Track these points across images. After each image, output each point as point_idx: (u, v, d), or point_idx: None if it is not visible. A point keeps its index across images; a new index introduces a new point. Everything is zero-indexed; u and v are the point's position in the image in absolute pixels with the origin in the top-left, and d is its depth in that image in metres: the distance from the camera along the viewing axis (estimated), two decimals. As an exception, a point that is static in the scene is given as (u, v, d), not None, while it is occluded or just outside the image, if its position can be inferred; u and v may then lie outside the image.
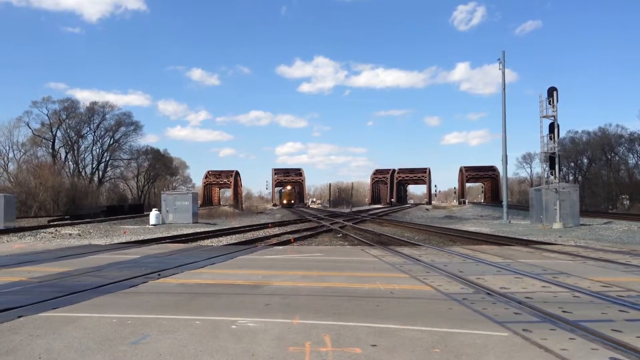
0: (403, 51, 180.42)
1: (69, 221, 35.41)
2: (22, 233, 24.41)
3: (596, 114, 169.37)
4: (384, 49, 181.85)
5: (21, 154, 72.53)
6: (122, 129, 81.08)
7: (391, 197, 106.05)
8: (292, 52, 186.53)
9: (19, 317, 6.06)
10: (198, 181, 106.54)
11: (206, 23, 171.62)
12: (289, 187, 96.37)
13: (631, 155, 68.52)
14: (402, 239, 20.86)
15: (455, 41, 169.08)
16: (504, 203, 36.52)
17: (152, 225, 31.23)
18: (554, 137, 27.17)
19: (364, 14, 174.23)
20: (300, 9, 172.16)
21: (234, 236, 23.48)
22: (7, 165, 69.97)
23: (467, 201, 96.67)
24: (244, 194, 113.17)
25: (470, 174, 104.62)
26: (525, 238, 19.46)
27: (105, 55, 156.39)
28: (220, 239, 22.10)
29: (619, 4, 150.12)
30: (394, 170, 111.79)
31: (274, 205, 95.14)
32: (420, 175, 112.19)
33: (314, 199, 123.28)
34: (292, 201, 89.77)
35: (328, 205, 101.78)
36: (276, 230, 27.25)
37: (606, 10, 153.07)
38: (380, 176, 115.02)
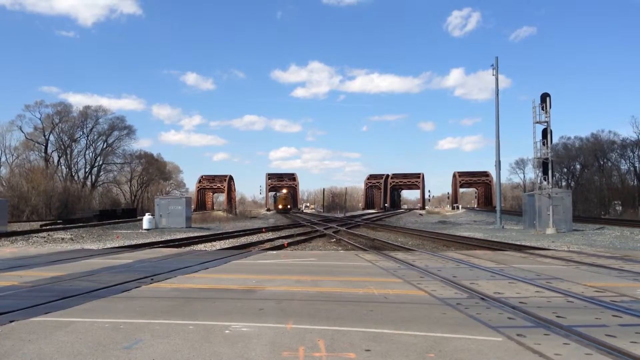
0: (398, 56, 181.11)
1: (61, 225, 35.18)
2: (14, 237, 24.26)
3: (588, 120, 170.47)
4: (379, 54, 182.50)
5: (14, 158, 72.26)
6: (116, 133, 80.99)
7: (385, 202, 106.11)
8: (287, 57, 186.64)
9: (11, 321, 6.00)
10: (191, 186, 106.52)
11: (201, 27, 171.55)
12: (284, 191, 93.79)
13: (623, 161, 69.07)
14: (396, 244, 20.86)
15: (450, 47, 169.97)
16: (498, 208, 36.62)
17: (145, 229, 31.09)
18: (546, 143, 27.30)
19: (359, 20, 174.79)
20: (295, 13, 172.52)
21: (227, 241, 23.41)
22: (0, 169, 69.65)
23: (460, 206, 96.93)
24: (237, 198, 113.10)
25: (463, 179, 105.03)
26: (518, 243, 19.52)
27: (100, 59, 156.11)
28: (214, 243, 22.03)
29: (613, 10, 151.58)
30: (387, 176, 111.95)
31: (268, 210, 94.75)
32: (414, 180, 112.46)
33: (308, 204, 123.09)
34: (288, 206, 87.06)
35: (322, 210, 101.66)
36: (270, 235, 27.19)
37: (600, 16, 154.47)
38: (374, 181, 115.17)
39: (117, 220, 42.29)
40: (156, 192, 75.29)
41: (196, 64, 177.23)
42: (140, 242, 21.14)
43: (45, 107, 75.11)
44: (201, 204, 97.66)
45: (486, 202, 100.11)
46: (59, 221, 41.48)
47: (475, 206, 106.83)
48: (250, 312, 6.66)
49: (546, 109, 27.07)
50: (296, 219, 52.73)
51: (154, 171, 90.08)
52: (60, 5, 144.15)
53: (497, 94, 35.78)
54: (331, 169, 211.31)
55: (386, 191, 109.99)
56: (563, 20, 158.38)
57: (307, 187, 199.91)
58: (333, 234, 26.67)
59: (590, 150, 71.70)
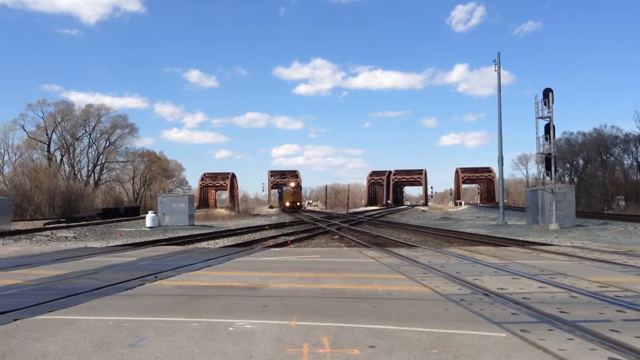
0: (401, 53, 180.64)
1: (64, 224, 35.29)
2: (17, 236, 24.32)
3: (591, 115, 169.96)
4: (382, 50, 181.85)
5: (16, 156, 72.67)
6: (118, 131, 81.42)
7: (387, 198, 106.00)
8: (290, 54, 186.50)
9: (15, 320, 6.02)
10: (194, 183, 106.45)
11: (204, 24, 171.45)
12: (292, 185, 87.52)
13: (626, 156, 68.71)
14: (399, 240, 20.85)
15: (454, 42, 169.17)
16: (500, 204, 36.52)
17: (148, 227, 31.15)
18: (549, 138, 27.22)
19: (362, 16, 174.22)
20: (298, 10, 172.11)
21: (230, 238, 23.44)
22: (3, 168, 70.04)
23: (463, 202, 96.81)
24: (240, 196, 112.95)
25: (466, 175, 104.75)
26: (521, 239, 19.47)
27: (102, 57, 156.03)
28: (217, 241, 22.06)
29: (617, 5, 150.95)
30: (390, 172, 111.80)
31: (271, 207, 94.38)
32: (417, 176, 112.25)
33: (311, 201, 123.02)
34: (297, 203, 78.61)
35: (325, 207, 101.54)
36: (272, 232, 27.21)
37: (604, 11, 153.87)
38: (376, 178, 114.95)
39: (120, 219, 42.40)
40: (159, 190, 75.28)
41: (199, 61, 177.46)
42: (143, 240, 21.17)
43: (48, 106, 75.71)
44: (204, 201, 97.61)
45: (489, 198, 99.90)
46: (62, 220, 41.64)
47: (478, 202, 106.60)
48: (254, 309, 6.67)
49: (549, 104, 27.00)
50: (299, 216, 52.74)
51: (157, 169, 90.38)
52: (62, 4, 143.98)
53: (500, 90, 35.66)
54: (333, 165, 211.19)
55: (389, 188, 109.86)
56: (568, 15, 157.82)
57: (310, 184, 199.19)
58: (336, 231, 26.67)
59: (593, 145, 71.42)
